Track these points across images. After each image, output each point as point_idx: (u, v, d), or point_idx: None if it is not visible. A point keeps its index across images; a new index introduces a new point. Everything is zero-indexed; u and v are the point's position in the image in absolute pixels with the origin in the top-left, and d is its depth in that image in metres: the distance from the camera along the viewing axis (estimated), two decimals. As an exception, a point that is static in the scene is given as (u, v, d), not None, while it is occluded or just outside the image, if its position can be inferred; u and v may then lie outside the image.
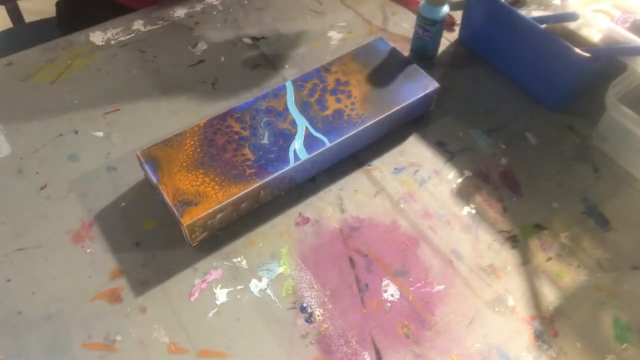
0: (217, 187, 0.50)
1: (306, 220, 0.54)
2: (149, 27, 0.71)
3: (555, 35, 0.58)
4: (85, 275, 0.50)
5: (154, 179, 0.51)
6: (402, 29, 0.72)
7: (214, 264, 0.51)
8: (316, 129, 0.55)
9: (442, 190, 0.57)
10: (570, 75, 0.59)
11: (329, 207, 0.55)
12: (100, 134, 0.60)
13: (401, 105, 0.57)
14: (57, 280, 0.49)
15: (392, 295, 0.49)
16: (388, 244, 0.52)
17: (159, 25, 0.71)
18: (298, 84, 0.59)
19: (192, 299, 0.49)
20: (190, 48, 0.69)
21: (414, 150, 0.60)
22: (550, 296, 0.49)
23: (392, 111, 0.57)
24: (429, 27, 0.62)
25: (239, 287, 0.49)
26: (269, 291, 0.49)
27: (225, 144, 0.53)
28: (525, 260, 0.52)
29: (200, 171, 0.51)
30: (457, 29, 0.72)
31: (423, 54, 0.67)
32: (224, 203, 0.49)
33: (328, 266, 0.51)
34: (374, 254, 0.52)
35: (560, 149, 0.60)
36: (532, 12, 0.67)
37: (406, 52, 0.69)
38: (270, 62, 0.68)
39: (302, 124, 0.55)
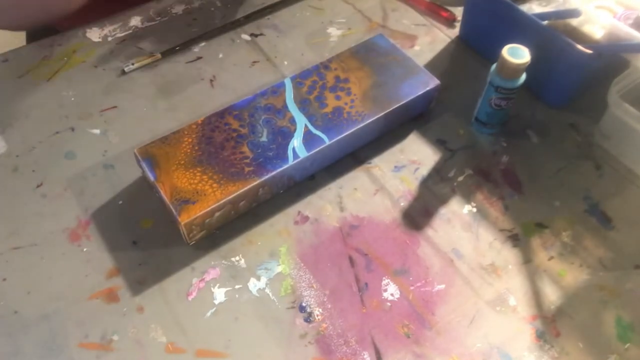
0: (215, 185, 0.50)
1: (305, 218, 0.53)
2: (146, 24, 0.70)
3: (557, 32, 0.58)
4: (81, 274, 0.49)
5: (151, 177, 0.50)
6: (402, 25, 0.72)
7: (212, 263, 0.50)
8: (315, 127, 0.54)
9: (443, 188, 0.56)
10: (572, 72, 0.59)
11: (328, 205, 0.54)
12: (97, 131, 0.59)
13: (401, 103, 0.57)
14: (53, 279, 0.49)
15: (392, 295, 0.49)
16: (388, 242, 0.52)
17: (157, 22, 0.71)
18: (297, 81, 0.58)
19: (189, 298, 0.48)
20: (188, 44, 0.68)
21: (414, 148, 0.59)
22: (552, 295, 0.49)
23: (392, 108, 0.56)
24: (513, 95, 0.56)
25: (237, 287, 0.49)
26: (267, 290, 0.49)
27: (224, 141, 0.53)
28: (527, 259, 0.51)
29: (198, 169, 0.51)
30: (457, 25, 0.71)
31: (503, 120, 0.60)
32: (222, 201, 0.49)
33: (327, 265, 0.50)
34: (374, 253, 0.51)
35: (561, 146, 0.60)
36: (533, 8, 0.66)
37: (407, 50, 0.68)
38: (268, 59, 0.67)
39: (301, 121, 0.55)
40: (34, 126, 0.59)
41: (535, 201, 0.55)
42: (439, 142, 0.60)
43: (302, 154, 0.52)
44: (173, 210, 0.48)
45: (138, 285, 0.49)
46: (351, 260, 0.51)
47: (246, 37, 0.70)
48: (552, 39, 0.57)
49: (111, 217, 0.53)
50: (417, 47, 0.69)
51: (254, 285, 0.49)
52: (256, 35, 0.70)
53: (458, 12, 0.72)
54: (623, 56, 0.57)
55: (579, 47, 0.55)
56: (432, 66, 0.67)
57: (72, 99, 0.62)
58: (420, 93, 0.58)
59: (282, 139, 0.53)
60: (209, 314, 0.47)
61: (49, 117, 0.60)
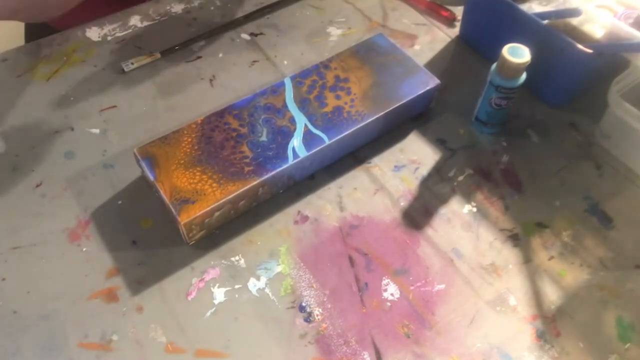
0: (215, 185, 0.50)
1: (305, 218, 0.53)
2: (146, 23, 0.70)
3: (558, 31, 0.57)
4: (81, 274, 0.49)
5: (150, 177, 0.50)
6: (402, 24, 0.72)
7: (212, 262, 0.50)
8: (315, 126, 0.54)
9: (443, 188, 0.56)
10: (573, 71, 0.59)
11: (328, 205, 0.54)
12: (97, 131, 0.59)
13: (401, 102, 0.56)
14: (52, 279, 0.49)
15: (392, 295, 0.49)
16: (388, 242, 0.52)
17: (156, 21, 0.71)
18: (297, 80, 0.58)
19: (189, 298, 0.48)
20: (187, 44, 0.68)
21: (414, 148, 0.59)
22: (552, 295, 0.49)
23: (392, 108, 0.56)
24: (513, 95, 0.56)
25: (237, 286, 0.49)
26: (267, 290, 0.49)
27: (223, 141, 0.53)
28: (527, 259, 0.51)
29: (198, 169, 0.51)
30: (457, 24, 0.71)
31: (503, 120, 0.59)
32: (222, 201, 0.49)
33: (327, 265, 0.50)
34: (374, 253, 0.51)
35: (562, 146, 0.60)
36: (533, 8, 0.66)
37: (407, 49, 0.68)
38: (268, 58, 0.67)
39: (301, 121, 0.54)
40: (33, 126, 0.59)
41: (536, 201, 0.55)
42: (439, 142, 0.60)
43: (302, 153, 0.52)
44: (173, 210, 0.48)
45: (137, 285, 0.49)
46: (351, 260, 0.51)
47: (246, 36, 0.70)
48: (552, 38, 0.57)
49: (111, 217, 0.53)
50: (417, 47, 0.69)
51: (253, 285, 0.49)
52: (256, 35, 0.70)
53: (458, 11, 0.72)
54: (623, 55, 0.57)
55: (579, 46, 0.55)
56: (432, 66, 0.67)
57: (72, 98, 0.62)
58: (420, 92, 0.57)
59: (281, 138, 0.53)
60: (208, 314, 0.47)
61: (49, 117, 0.60)
